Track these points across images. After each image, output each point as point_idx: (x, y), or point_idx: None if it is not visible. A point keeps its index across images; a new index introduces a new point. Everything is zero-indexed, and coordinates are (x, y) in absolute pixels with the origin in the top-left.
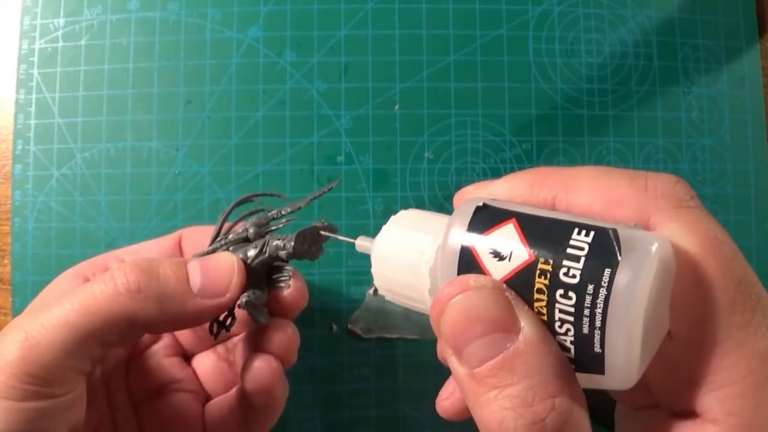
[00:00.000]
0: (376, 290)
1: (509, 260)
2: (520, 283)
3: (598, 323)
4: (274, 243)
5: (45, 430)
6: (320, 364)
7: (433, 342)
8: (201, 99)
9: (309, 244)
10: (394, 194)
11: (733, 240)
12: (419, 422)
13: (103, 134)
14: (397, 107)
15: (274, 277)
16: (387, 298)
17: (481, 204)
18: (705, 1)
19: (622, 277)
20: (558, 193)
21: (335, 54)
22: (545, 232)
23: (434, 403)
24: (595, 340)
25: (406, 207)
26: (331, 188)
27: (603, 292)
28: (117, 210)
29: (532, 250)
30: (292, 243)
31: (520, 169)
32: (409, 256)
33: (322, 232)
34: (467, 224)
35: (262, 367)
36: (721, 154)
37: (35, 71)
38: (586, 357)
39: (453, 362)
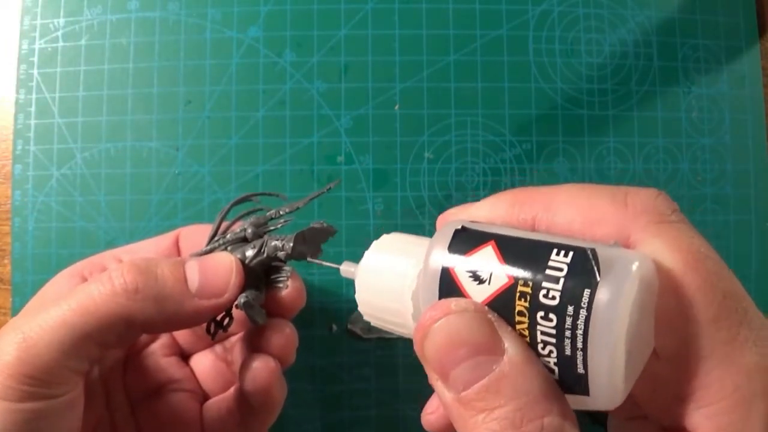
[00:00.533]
0: None
1: (489, 283)
2: (501, 305)
3: (579, 344)
4: (273, 243)
5: (43, 431)
6: (320, 364)
7: None
8: (201, 99)
9: (307, 245)
10: (394, 194)
11: (719, 253)
12: (419, 422)
13: (103, 134)
14: (397, 107)
15: (272, 277)
16: (372, 323)
17: (459, 227)
18: (705, 1)
19: (601, 297)
20: (538, 213)
21: (335, 54)
22: (524, 254)
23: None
24: (578, 362)
25: (406, 207)
26: (330, 189)
27: (583, 312)
28: (117, 210)
29: (511, 273)
30: (291, 244)
31: (520, 169)
32: (391, 280)
33: (309, 259)
34: (447, 247)
35: (260, 367)
36: (721, 154)
37: (35, 71)
38: (570, 378)
39: (439, 387)
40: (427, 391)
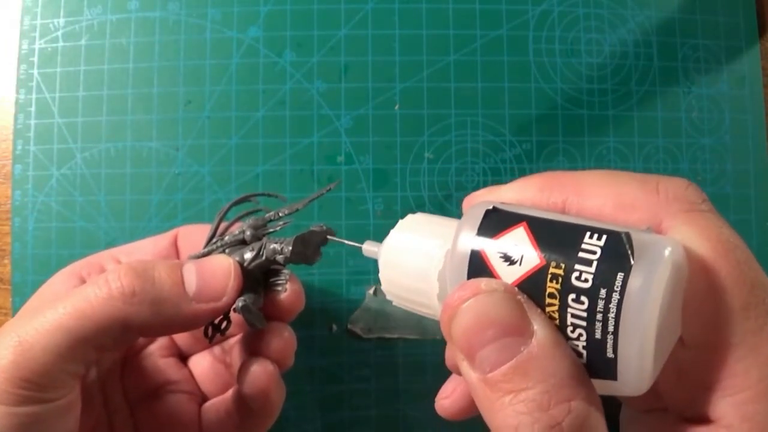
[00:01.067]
0: (376, 290)
1: (520, 264)
2: (531, 287)
3: (610, 328)
4: (272, 246)
5: None
6: (320, 364)
7: (434, 342)
8: (201, 99)
9: (307, 249)
10: (394, 194)
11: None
12: (419, 422)
13: (103, 134)
14: (397, 107)
15: (270, 280)
16: (395, 303)
17: (490, 207)
18: (705, 1)
19: (635, 281)
20: (568, 197)
21: (335, 54)
22: (557, 236)
23: (434, 403)
24: (608, 346)
25: (406, 207)
26: (330, 189)
27: (616, 296)
28: (117, 210)
29: (543, 254)
30: (290, 247)
31: (520, 169)
32: (417, 260)
33: (329, 237)
34: (477, 228)
35: (259, 371)
36: (721, 154)
37: (35, 71)
38: (598, 362)
39: (464, 367)
40: (428, 391)
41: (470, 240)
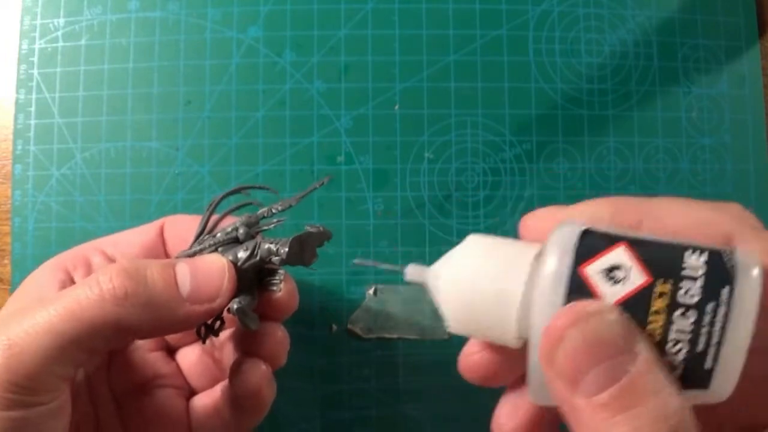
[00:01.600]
0: (376, 290)
1: (623, 283)
2: (636, 304)
3: (715, 340)
4: (266, 246)
5: None
6: (320, 364)
7: (433, 342)
8: (201, 99)
9: (303, 251)
10: (394, 194)
11: None
12: (419, 422)
13: (103, 134)
14: (397, 107)
15: (265, 279)
16: (458, 331)
17: (585, 228)
18: (705, 1)
19: (739, 293)
20: (643, 219)
21: (335, 54)
22: (659, 254)
23: (434, 402)
24: (708, 357)
25: (406, 207)
26: (323, 184)
27: (722, 309)
28: (117, 210)
29: (649, 272)
30: (286, 249)
31: (520, 168)
32: (492, 293)
33: (356, 261)
34: (573, 250)
35: (252, 371)
36: (721, 154)
37: (35, 71)
38: (694, 374)
39: (563, 393)
40: (428, 391)
41: (567, 263)
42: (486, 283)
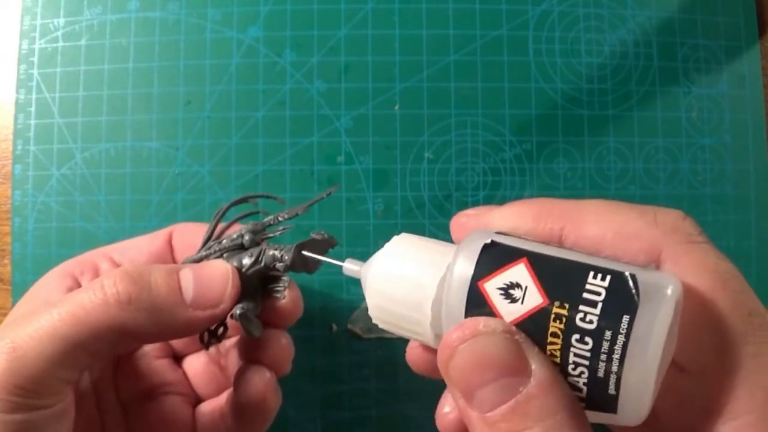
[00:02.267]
0: None
1: (522, 303)
2: (533, 325)
3: (614, 368)
4: (271, 253)
5: None
6: (320, 364)
7: None
8: (201, 99)
9: (307, 257)
10: (394, 194)
11: (742, 275)
12: (419, 422)
13: (103, 134)
14: (397, 107)
15: (269, 286)
16: (381, 326)
17: (488, 241)
18: (705, 1)
19: (640, 323)
20: (566, 225)
21: (335, 54)
22: (559, 275)
23: (434, 402)
24: (610, 384)
25: (406, 207)
26: (329, 194)
27: (621, 338)
28: (117, 210)
29: (546, 294)
30: (290, 255)
31: (520, 169)
32: (410, 289)
33: (305, 252)
34: (475, 262)
35: (256, 379)
36: (721, 154)
37: (35, 71)
38: (599, 398)
39: (461, 404)
40: (428, 391)
41: (468, 275)
42: (403, 286)
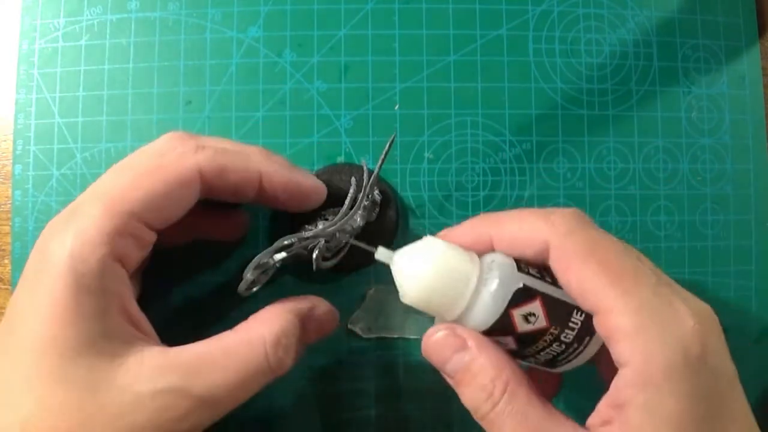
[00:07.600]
0: (376, 290)
1: (533, 324)
2: (534, 335)
3: (569, 359)
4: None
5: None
6: (320, 364)
7: None
8: (201, 99)
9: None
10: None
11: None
12: (419, 422)
13: (103, 134)
14: (397, 107)
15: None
16: (412, 302)
17: (521, 285)
18: (705, 1)
19: (593, 343)
20: (492, 230)
21: (335, 54)
22: (558, 310)
23: (434, 402)
24: (562, 362)
25: (405, 207)
26: (393, 141)
27: (582, 347)
28: None
29: (548, 320)
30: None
31: (520, 169)
32: (458, 281)
33: (352, 241)
34: (509, 299)
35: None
36: (721, 154)
37: (35, 71)
38: (551, 364)
39: (439, 366)
40: (428, 391)
41: (503, 304)
42: (455, 273)
